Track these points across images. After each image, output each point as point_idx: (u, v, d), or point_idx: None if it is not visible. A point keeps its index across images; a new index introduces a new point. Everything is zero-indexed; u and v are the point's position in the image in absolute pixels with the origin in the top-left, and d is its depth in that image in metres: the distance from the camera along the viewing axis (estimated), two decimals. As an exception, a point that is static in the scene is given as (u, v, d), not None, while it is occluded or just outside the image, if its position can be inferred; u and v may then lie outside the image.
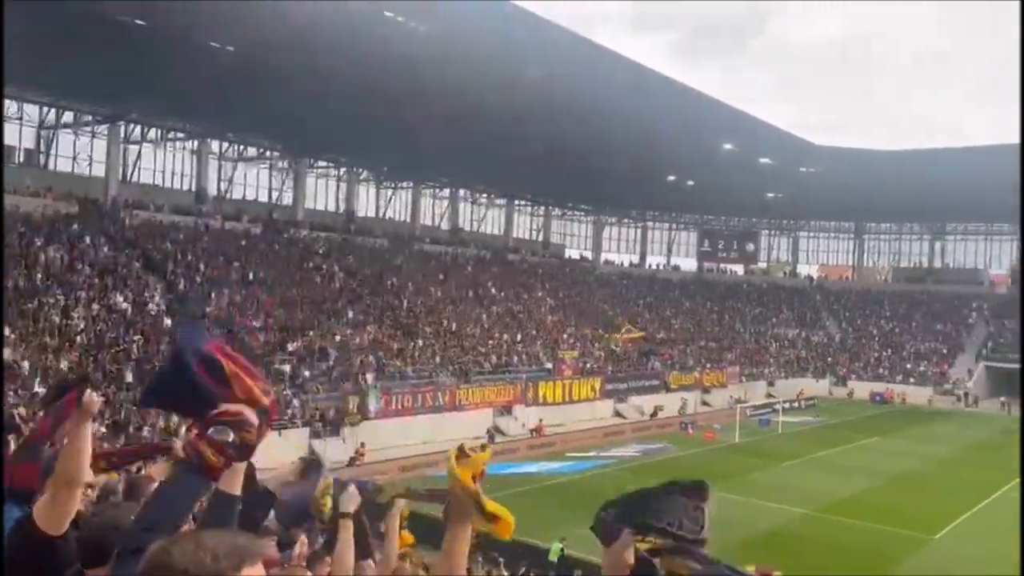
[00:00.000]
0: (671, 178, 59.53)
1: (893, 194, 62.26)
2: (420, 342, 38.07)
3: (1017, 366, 58.28)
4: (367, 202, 56.10)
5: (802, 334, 66.74)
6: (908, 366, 61.06)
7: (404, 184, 57.32)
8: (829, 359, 63.31)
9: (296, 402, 29.03)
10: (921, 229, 76.68)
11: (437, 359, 37.30)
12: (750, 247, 79.05)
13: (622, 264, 73.73)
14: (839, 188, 62.49)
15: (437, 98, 37.44)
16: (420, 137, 43.67)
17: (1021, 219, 52.68)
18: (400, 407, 31.86)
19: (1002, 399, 55.96)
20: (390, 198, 57.42)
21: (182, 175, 45.20)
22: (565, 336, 48.05)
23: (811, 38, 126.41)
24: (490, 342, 42.06)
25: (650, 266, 75.86)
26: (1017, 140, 45.04)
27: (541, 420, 36.46)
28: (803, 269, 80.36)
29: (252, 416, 2.20)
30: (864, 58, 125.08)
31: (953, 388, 57.46)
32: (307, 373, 31.01)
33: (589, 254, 73.01)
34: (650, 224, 79.32)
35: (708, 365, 53.13)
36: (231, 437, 2.14)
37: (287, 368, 30.30)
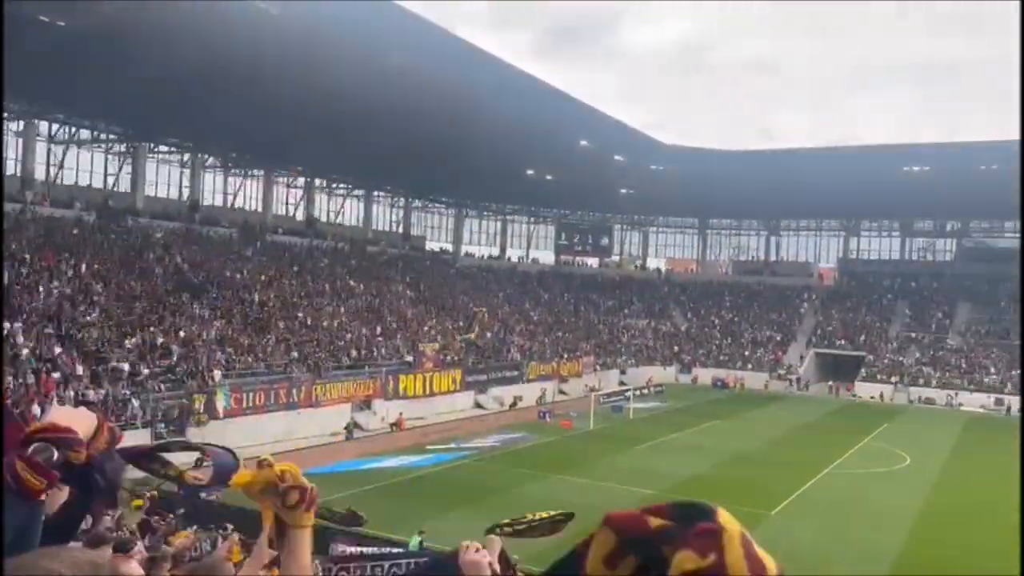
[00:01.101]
0: (530, 173, 60.52)
1: (733, 192, 66.23)
2: (272, 337, 36.67)
3: (842, 352, 63.76)
4: (214, 190, 53.33)
5: (651, 324, 69.80)
6: (746, 353, 65.22)
7: (255, 172, 54.90)
8: (676, 348, 66.56)
9: (135, 402, 27.19)
10: (758, 225, 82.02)
11: (292, 355, 36.07)
12: (604, 241, 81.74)
13: (483, 256, 74.23)
14: (685, 185, 65.81)
15: (291, 83, 36.13)
16: (272, 123, 41.99)
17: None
18: (252, 405, 30.54)
19: (829, 383, 60.98)
20: (239, 186, 54.80)
21: (5, 159, 41.10)
22: (426, 329, 47.80)
23: (657, 40, 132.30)
24: (348, 336, 41.15)
25: (510, 259, 76.85)
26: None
27: (401, 414, 36.08)
28: (652, 262, 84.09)
29: (79, 433, 1.93)
30: (704, 61, 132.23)
31: (786, 373, 61.95)
32: (147, 371, 29.11)
33: (450, 246, 73.02)
34: (510, 217, 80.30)
35: (565, 355, 54.50)
36: (55, 456, 1.86)
37: (125, 366, 28.31)
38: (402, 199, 68.80)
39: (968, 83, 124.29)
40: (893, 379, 58.45)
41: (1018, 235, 72.82)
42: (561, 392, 49.84)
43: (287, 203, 58.46)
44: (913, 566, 19.80)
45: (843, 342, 64.75)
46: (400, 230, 67.97)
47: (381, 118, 42.81)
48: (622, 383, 54.71)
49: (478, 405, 43.21)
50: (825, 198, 66.43)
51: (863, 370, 60.18)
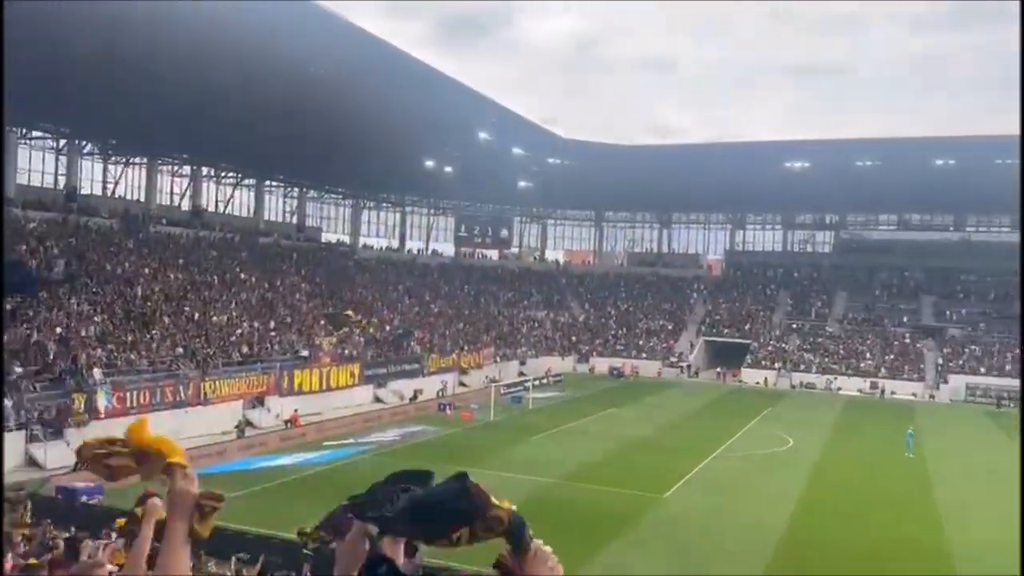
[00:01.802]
0: (429, 164, 60.08)
1: (628, 186, 67.90)
2: (157, 333, 34.99)
3: (729, 340, 66.48)
4: (92, 178, 50.28)
5: (550, 315, 70.75)
6: (641, 342, 67.06)
7: (137, 159, 52.12)
8: (574, 338, 67.73)
9: (8, 402, 25.39)
10: (651, 218, 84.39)
11: (178, 351, 34.52)
12: (504, 233, 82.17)
13: (382, 248, 73.26)
14: (582, 178, 66.97)
15: (175, 67, 34.49)
16: (155, 108, 39.92)
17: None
18: (136, 404, 29.04)
19: (718, 369, 63.49)
20: (120, 174, 51.88)
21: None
22: (323, 322, 46.70)
23: (553, 35, 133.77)
24: (239, 331, 39.75)
25: (410, 251, 76.14)
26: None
27: (296, 410, 35.16)
28: (551, 254, 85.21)
29: None
30: (598, 57, 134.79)
31: (678, 361, 64.08)
32: (19, 370, 27.24)
33: (347, 238, 71.64)
34: (409, 209, 79.54)
35: (465, 347, 54.50)
36: None
37: (-6, 366, 26.34)
38: (296, 189, 66.96)
39: (844, 83, 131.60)
40: (776, 365, 61.42)
41: (892, 227, 77.89)
42: (462, 384, 49.83)
43: (172, 193, 55.78)
44: (797, 542, 20.85)
45: (730, 330, 67.52)
46: (294, 221, 66.14)
47: (272, 106, 41.48)
48: (522, 374, 55.26)
49: (377, 399, 42.64)
50: (713, 192, 69.03)
51: (749, 357, 62.96)
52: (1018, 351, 58.48)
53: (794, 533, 21.62)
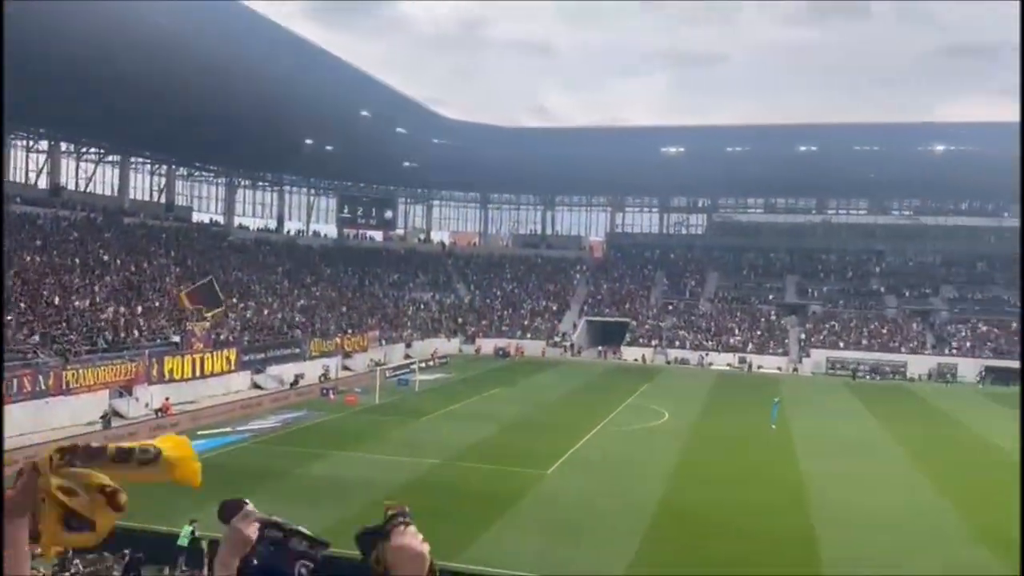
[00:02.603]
0: (309, 142, 58.33)
1: (512, 167, 68.39)
2: (12, 319, 32.52)
3: (610, 319, 68.42)
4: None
5: (436, 297, 70.58)
6: (526, 322, 67.99)
7: (-14, 132, 47.97)
8: (460, 319, 67.89)
9: None
10: (535, 200, 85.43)
11: (36, 338, 32.22)
12: (388, 214, 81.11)
13: (258, 229, 70.72)
14: (467, 160, 66.86)
15: (27, 30, 31.85)
16: (7, 76, 36.74)
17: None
18: (-13, 396, 26.92)
19: (599, 348, 65.29)
20: (-33, 148, 47.66)
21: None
22: (192, 301, 44.63)
23: (435, 14, 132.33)
24: (104, 316, 37.50)
25: (289, 232, 73.89)
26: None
27: (168, 399, 33.58)
28: (436, 236, 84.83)
29: None
30: (481, 38, 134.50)
31: (561, 340, 65.42)
32: None
33: (221, 218, 68.71)
34: (288, 188, 77.12)
35: (349, 330, 53.59)
36: None
37: None
38: (164, 166, 63.55)
39: (717, 71, 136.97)
40: (654, 342, 63.78)
41: (760, 211, 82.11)
42: (346, 368, 49.02)
43: (27, 169, 51.83)
44: (671, 511, 21.81)
45: (611, 310, 69.49)
46: (162, 200, 62.77)
47: (139, 77, 39.11)
48: (408, 356, 54.94)
49: (256, 385, 41.30)
50: (594, 175, 70.55)
51: (628, 335, 65.05)
52: (874, 325, 63.20)
53: (669, 503, 22.60)
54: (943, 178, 65.14)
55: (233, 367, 40.13)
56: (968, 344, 59.80)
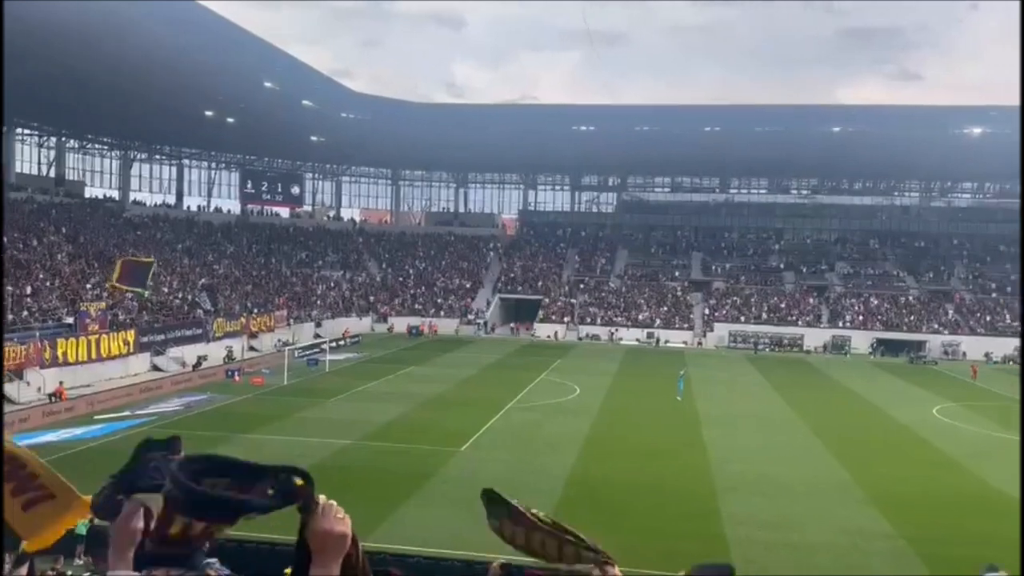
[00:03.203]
0: (209, 114, 55.99)
1: (424, 144, 67.56)
2: None
3: (523, 296, 68.84)
4: None
5: (346, 275, 69.34)
6: (439, 301, 67.67)
7: None
8: (371, 298, 66.97)
9: None
10: (448, 177, 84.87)
11: (-91, 320, 29.95)
12: (295, 190, 78.96)
13: (156, 205, 67.63)
14: (377, 135, 65.67)
15: None
16: None
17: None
18: None
19: (512, 325, 65.66)
20: None
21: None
22: (89, 286, 42.51)
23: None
24: (-13, 296, 35.14)
25: (188, 208, 70.94)
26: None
27: (61, 383, 31.88)
28: (346, 213, 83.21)
29: None
30: (389, 10, 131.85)
31: (475, 318, 65.45)
32: None
33: (115, 193, 65.35)
34: (187, 162, 73.96)
35: (255, 310, 52.06)
36: None
37: None
38: (53, 138, 59.86)
39: (627, 50, 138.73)
40: (566, 319, 64.61)
41: (667, 190, 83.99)
42: (252, 349, 47.66)
43: None
44: (582, 483, 22.18)
45: (524, 287, 69.93)
46: (52, 174, 59.17)
47: (25, 40, 36.45)
48: (318, 336, 53.89)
49: (156, 368, 39.69)
50: (507, 153, 70.58)
51: (541, 312, 65.67)
52: (774, 300, 65.79)
53: (580, 475, 22.98)
54: (839, 159, 68.16)
55: (131, 349, 38.44)
56: (860, 317, 63.05)
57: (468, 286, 70.02)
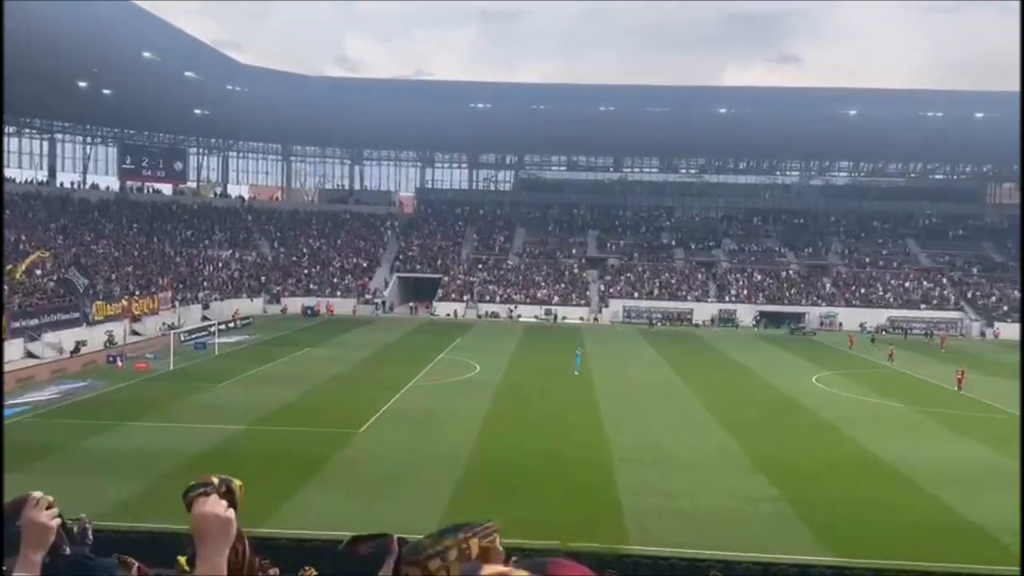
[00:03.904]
0: (83, 85, 52.53)
1: (317, 119, 65.72)
2: None
3: (422, 275, 68.32)
4: None
5: (235, 255, 66.88)
6: (335, 280, 66.30)
7: None
8: (263, 278, 64.90)
9: None
10: (342, 153, 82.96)
11: None
12: (178, 165, 75.36)
13: (26, 182, 63.07)
14: (266, 109, 63.33)
15: None
16: None
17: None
18: None
19: (411, 304, 65.12)
20: None
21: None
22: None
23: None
24: None
25: (62, 184, 66.53)
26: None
27: (-81, 373, 29.40)
28: (234, 189, 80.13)
29: None
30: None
31: (373, 297, 64.53)
32: None
33: (-22, 169, 60.47)
34: (60, 136, 69.26)
35: (137, 292, 49.50)
36: None
37: None
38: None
39: (522, 28, 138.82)
40: (465, 297, 64.60)
41: (563, 168, 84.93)
42: (135, 333, 45.36)
43: None
44: (484, 458, 22.29)
45: (422, 266, 69.41)
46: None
47: None
48: (206, 318, 51.84)
49: (30, 354, 37.21)
50: (403, 129, 69.54)
51: (440, 291, 65.40)
52: (665, 276, 67.82)
53: (481, 450, 23.10)
54: (725, 139, 70.66)
55: (2, 335, 35.79)
56: (745, 292, 65.89)
57: (365, 265, 68.89)
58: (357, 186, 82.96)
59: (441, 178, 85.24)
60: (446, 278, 67.02)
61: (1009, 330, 58.35)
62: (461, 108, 64.26)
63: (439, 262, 69.50)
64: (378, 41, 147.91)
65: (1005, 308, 62.08)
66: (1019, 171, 65.32)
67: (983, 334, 59.59)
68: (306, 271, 67.03)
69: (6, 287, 39.39)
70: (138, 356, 38.48)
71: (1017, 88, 48.43)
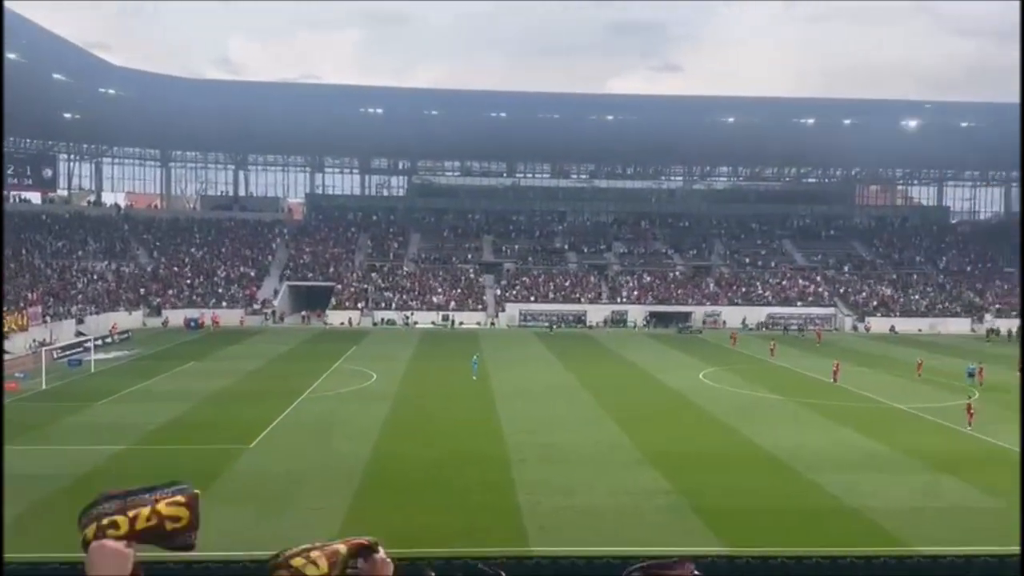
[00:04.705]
0: (-67, 84, 48.46)
1: (198, 123, 63.25)
2: None
3: (314, 283, 66.70)
4: None
5: (111, 266, 63.40)
6: (220, 291, 63.86)
7: None
8: (142, 290, 61.81)
9: None
10: (225, 159, 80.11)
11: None
12: (47, 172, 70.81)
13: None
14: (143, 113, 60.48)
15: None
16: None
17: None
18: None
19: (303, 313, 63.48)
20: None
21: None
22: None
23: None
24: None
25: (-88, 193, 61.21)
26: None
27: None
28: (109, 197, 75.99)
29: None
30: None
31: (262, 307, 62.53)
32: None
33: None
34: (-93, 141, 63.75)
35: (4, 308, 46.07)
36: None
37: None
38: None
39: (409, 32, 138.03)
40: (360, 305, 63.56)
41: (456, 174, 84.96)
42: (2, 351, 42.17)
43: None
44: (382, 467, 21.94)
45: (314, 274, 67.83)
46: None
47: None
48: (80, 334, 48.88)
49: None
50: (291, 134, 67.85)
51: (333, 299, 64.08)
52: (559, 280, 68.87)
53: (379, 459, 22.73)
54: (613, 145, 72.57)
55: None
56: (635, 293, 67.78)
57: (253, 274, 66.71)
58: (243, 192, 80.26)
59: (332, 183, 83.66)
60: (339, 286, 65.74)
61: (879, 324, 62.52)
62: (351, 112, 63.32)
63: (332, 269, 68.12)
64: (262, 43, 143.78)
65: (875, 304, 66.44)
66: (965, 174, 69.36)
67: (855, 328, 63.55)
68: (188, 282, 64.27)
69: None
70: (7, 375, 35.80)
71: (876, 96, 52.01)
